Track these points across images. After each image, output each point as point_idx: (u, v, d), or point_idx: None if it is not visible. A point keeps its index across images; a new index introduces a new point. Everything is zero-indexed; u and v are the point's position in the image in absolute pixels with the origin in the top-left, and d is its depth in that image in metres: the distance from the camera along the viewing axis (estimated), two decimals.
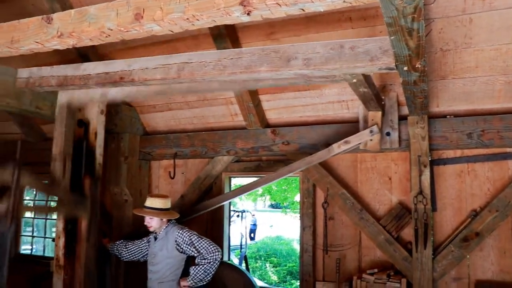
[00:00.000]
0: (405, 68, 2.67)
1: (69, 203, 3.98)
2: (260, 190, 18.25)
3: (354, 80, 3.11)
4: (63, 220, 4.04)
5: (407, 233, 4.30)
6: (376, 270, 4.22)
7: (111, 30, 2.68)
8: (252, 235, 13.92)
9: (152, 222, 4.14)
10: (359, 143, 4.17)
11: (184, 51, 3.56)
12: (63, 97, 4.14)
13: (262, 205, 26.25)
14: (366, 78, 3.15)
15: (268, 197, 22.12)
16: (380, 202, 4.50)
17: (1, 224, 3.29)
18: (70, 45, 3.04)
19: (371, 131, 4.12)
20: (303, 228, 4.75)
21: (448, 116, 4.12)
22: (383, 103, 4.10)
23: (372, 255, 4.46)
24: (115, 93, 3.88)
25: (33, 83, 3.96)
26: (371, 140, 4.15)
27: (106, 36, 2.79)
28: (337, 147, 4.19)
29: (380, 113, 4.14)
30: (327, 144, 4.34)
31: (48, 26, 2.95)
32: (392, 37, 2.23)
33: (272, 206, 26.93)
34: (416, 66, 2.60)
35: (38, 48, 3.15)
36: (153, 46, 4.42)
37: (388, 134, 4.20)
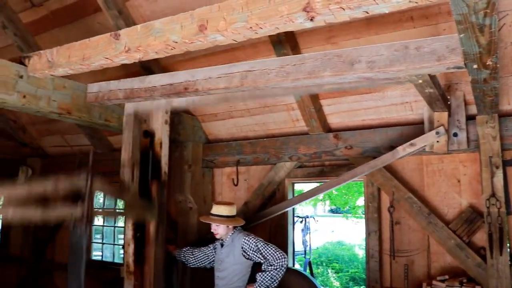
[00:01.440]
0: (475, 66, 2.58)
1: (138, 207, 4.13)
2: (320, 195, 18.08)
3: (420, 81, 3.03)
4: (132, 225, 4.20)
5: (479, 238, 4.11)
6: (447, 277, 4.06)
7: (176, 42, 2.77)
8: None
9: (219, 229, 4.21)
10: (425, 145, 4.06)
11: (244, 60, 3.63)
12: (129, 107, 4.31)
13: (322, 210, 26.01)
14: (432, 78, 3.06)
15: (328, 202, 21.87)
16: (448, 205, 4.33)
17: (78, 228, 3.47)
18: (136, 59, 3.17)
19: (437, 133, 4.00)
20: (368, 233, 4.66)
21: None
22: (449, 103, 3.97)
23: (442, 261, 4.30)
24: (179, 101, 3.99)
25: (102, 97, 4.16)
26: (437, 141, 4.02)
27: (171, 49, 2.88)
28: (402, 150, 4.10)
29: (446, 113, 4.00)
30: (391, 147, 4.25)
31: (116, 42, 3.10)
32: (461, 35, 2.16)
33: (331, 211, 26.62)
34: (487, 63, 2.50)
35: (107, 64, 3.31)
36: (213, 56, 4.51)
37: (455, 135, 4.05)
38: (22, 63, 3.72)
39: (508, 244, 3.85)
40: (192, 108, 5.18)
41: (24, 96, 3.71)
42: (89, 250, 6.99)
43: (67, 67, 3.44)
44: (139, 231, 4.23)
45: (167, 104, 4.06)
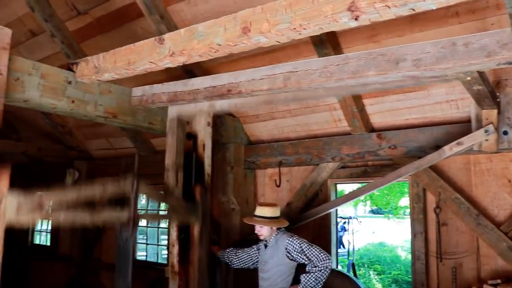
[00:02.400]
0: None
1: (182, 211, 4.20)
2: (362, 196, 17.87)
3: (468, 78, 2.95)
4: (177, 226, 4.27)
5: None
6: (499, 281, 3.90)
7: (220, 45, 2.80)
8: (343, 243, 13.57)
9: (263, 231, 4.22)
10: (473, 144, 3.93)
11: (285, 61, 3.62)
12: (173, 111, 4.38)
13: (363, 210, 25.69)
14: (481, 75, 2.97)
15: (369, 202, 21.59)
16: (499, 206, 4.18)
17: (125, 230, 3.56)
18: (180, 63, 3.23)
19: (486, 131, 3.86)
20: (414, 235, 4.56)
21: None
22: (498, 100, 3.83)
23: (493, 264, 4.15)
24: (221, 103, 4.03)
25: (146, 100, 4.25)
26: (486, 140, 3.89)
27: (215, 52, 2.92)
28: (449, 149, 3.98)
29: (495, 111, 3.86)
30: (436, 146, 4.14)
31: (160, 47, 3.17)
32: None
33: (372, 211, 26.25)
34: None
35: (151, 68, 3.39)
36: (254, 58, 4.52)
37: (505, 133, 3.91)
38: (70, 69, 3.86)
39: None
40: (234, 110, 5.21)
41: (73, 101, 3.84)
42: (134, 251, 7.14)
43: (113, 72, 3.54)
44: (183, 232, 4.29)
45: (210, 107, 4.10)
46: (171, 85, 4.06)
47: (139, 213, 3.70)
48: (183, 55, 3.06)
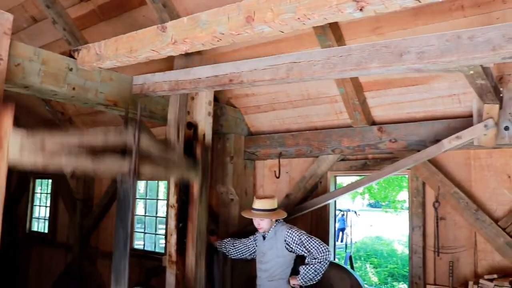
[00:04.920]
0: None
1: (183, 166, 4.18)
2: (360, 188, 17.93)
3: (471, 72, 2.93)
4: (176, 185, 4.29)
5: None
6: (495, 276, 3.92)
7: (223, 34, 2.78)
8: (340, 235, 13.54)
9: (263, 223, 4.21)
10: (472, 138, 3.92)
11: (288, 51, 3.58)
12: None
13: (361, 204, 25.74)
14: (485, 69, 2.95)
15: (367, 195, 21.62)
16: (497, 202, 4.18)
17: (125, 182, 3.55)
18: (183, 51, 3.20)
19: (485, 125, 3.85)
20: (412, 228, 4.57)
21: None
22: (501, 95, 3.82)
23: (490, 259, 4.16)
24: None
25: (147, 89, 4.22)
26: (485, 135, 3.88)
27: (218, 40, 2.90)
28: (448, 143, 3.97)
29: (497, 106, 3.85)
30: (437, 141, 4.12)
31: (163, 35, 3.14)
32: None
33: (370, 205, 26.31)
34: None
35: (153, 56, 3.36)
36: (256, 48, 4.50)
37: (506, 128, 3.90)
38: (72, 56, 3.83)
39: None
40: None
41: (74, 88, 3.81)
42: (131, 240, 7.16)
43: (115, 59, 3.52)
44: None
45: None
46: (172, 74, 4.03)
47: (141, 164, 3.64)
48: (185, 44, 3.03)
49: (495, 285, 3.84)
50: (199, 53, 4.77)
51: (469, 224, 4.23)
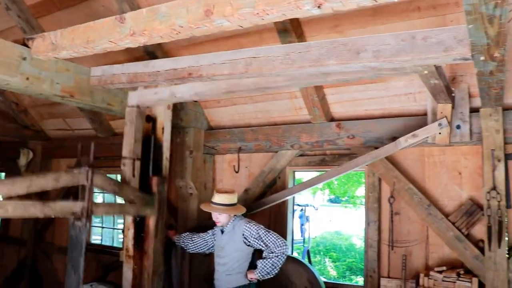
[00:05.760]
0: (482, 58, 2.56)
1: (138, 202, 4.12)
2: (320, 184, 18.14)
3: (425, 72, 3.01)
4: (132, 218, 4.22)
5: (478, 230, 4.12)
6: (444, 268, 4.08)
7: (182, 27, 2.75)
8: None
9: (221, 218, 4.22)
10: (427, 137, 4.05)
11: (249, 47, 3.58)
12: (133, 99, 4.31)
13: (321, 199, 26.08)
14: (438, 69, 3.04)
15: (327, 191, 21.93)
16: (449, 197, 4.34)
17: (78, 224, 3.48)
18: (141, 43, 3.15)
19: (439, 124, 3.99)
20: (368, 223, 4.68)
21: None
22: (453, 95, 3.95)
23: (440, 252, 4.32)
24: (182, 92, 3.99)
25: (105, 81, 4.13)
26: (439, 133, 4.01)
27: (177, 33, 2.86)
28: (404, 141, 4.09)
29: (450, 105, 3.99)
30: (394, 138, 4.24)
31: (121, 26, 3.07)
32: (470, 26, 2.14)
33: (331, 200, 26.70)
34: (495, 55, 2.48)
35: (111, 47, 3.29)
36: (217, 42, 4.49)
37: (458, 127, 4.05)
38: (26, 45, 3.70)
39: (506, 237, 3.86)
40: (194, 99, 5.16)
41: (27, 78, 3.68)
42: (88, 235, 7.02)
43: (71, 49, 3.42)
44: (139, 215, 4.24)
45: (170, 96, 4.05)
46: (131, 66, 3.95)
47: (94, 205, 3.60)
48: (144, 36, 2.98)
49: (443, 276, 3.99)
50: (158, 45, 4.75)
51: (422, 219, 4.37)
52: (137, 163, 4.25)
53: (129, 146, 4.26)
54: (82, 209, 3.43)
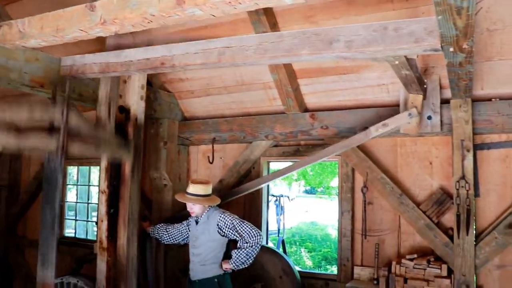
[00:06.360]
0: (451, 49, 2.60)
1: (114, 145, 4.06)
2: (295, 175, 18.22)
3: (396, 62, 3.05)
4: (108, 163, 4.15)
5: (448, 219, 4.22)
6: (415, 256, 4.17)
7: (153, 15, 2.71)
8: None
9: (195, 208, 4.21)
10: (398, 126, 4.11)
11: (223, 37, 3.57)
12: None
13: (297, 190, 26.24)
14: (409, 60, 3.08)
15: (303, 182, 22.06)
16: (420, 187, 4.43)
17: (53, 161, 3.40)
18: (112, 32, 3.09)
19: (409, 114, 4.05)
20: (341, 213, 4.74)
21: (493, 99, 3.99)
22: (425, 86, 4.01)
23: (412, 240, 4.41)
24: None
25: (76, 71, 4.05)
26: (409, 123, 4.07)
27: (148, 22, 2.82)
28: (375, 130, 4.14)
29: (421, 96, 4.05)
30: (367, 128, 4.28)
31: (91, 14, 3.01)
32: (439, 17, 2.17)
33: (306, 191, 26.87)
34: (463, 46, 2.53)
35: (81, 36, 3.22)
36: (191, 32, 4.45)
37: (429, 118, 4.11)
38: None
39: (474, 225, 3.97)
40: None
41: None
42: (61, 228, 6.92)
43: (40, 38, 3.33)
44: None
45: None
46: (103, 56, 3.88)
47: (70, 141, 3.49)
48: (115, 24, 2.92)
49: (415, 263, 4.08)
50: (132, 34, 4.67)
51: (394, 208, 4.45)
52: (113, 107, 4.19)
53: (105, 93, 4.21)
54: (57, 144, 3.33)
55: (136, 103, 4.33)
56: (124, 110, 4.34)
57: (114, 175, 4.21)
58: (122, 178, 4.21)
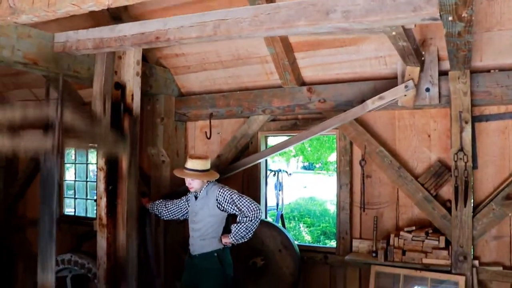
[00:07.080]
0: (450, 18, 2.56)
1: (110, 140, 4.05)
2: (293, 151, 18.21)
3: (394, 33, 3.01)
4: (105, 158, 4.16)
5: (446, 191, 4.24)
6: (414, 228, 4.20)
7: None
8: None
9: (194, 183, 4.21)
10: (396, 99, 4.08)
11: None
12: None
13: (295, 166, 26.30)
14: (406, 31, 3.04)
15: (301, 158, 22.08)
16: (418, 159, 4.43)
17: (49, 160, 3.39)
18: (105, 6, 3.03)
19: (406, 86, 4.02)
20: (340, 186, 4.74)
21: (492, 71, 3.95)
22: (422, 58, 3.97)
23: (410, 213, 4.43)
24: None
25: (70, 47, 4.00)
26: (405, 95, 4.04)
27: None
28: (372, 103, 4.11)
29: (418, 68, 4.01)
30: (364, 101, 4.25)
31: None
32: None
33: (304, 167, 26.93)
34: (462, 15, 2.49)
35: (74, 11, 3.15)
36: (186, 6, 4.37)
37: (427, 90, 4.08)
38: None
39: (472, 197, 3.98)
40: None
41: None
42: (60, 206, 6.94)
43: (31, 13, 3.26)
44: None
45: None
46: (97, 31, 3.83)
47: (66, 141, 3.47)
48: None
49: (413, 236, 4.12)
50: (125, 10, 4.60)
51: (392, 181, 4.45)
52: (108, 102, 4.17)
53: (99, 84, 4.20)
54: (52, 142, 3.32)
55: (132, 79, 4.30)
56: (120, 87, 4.31)
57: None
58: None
